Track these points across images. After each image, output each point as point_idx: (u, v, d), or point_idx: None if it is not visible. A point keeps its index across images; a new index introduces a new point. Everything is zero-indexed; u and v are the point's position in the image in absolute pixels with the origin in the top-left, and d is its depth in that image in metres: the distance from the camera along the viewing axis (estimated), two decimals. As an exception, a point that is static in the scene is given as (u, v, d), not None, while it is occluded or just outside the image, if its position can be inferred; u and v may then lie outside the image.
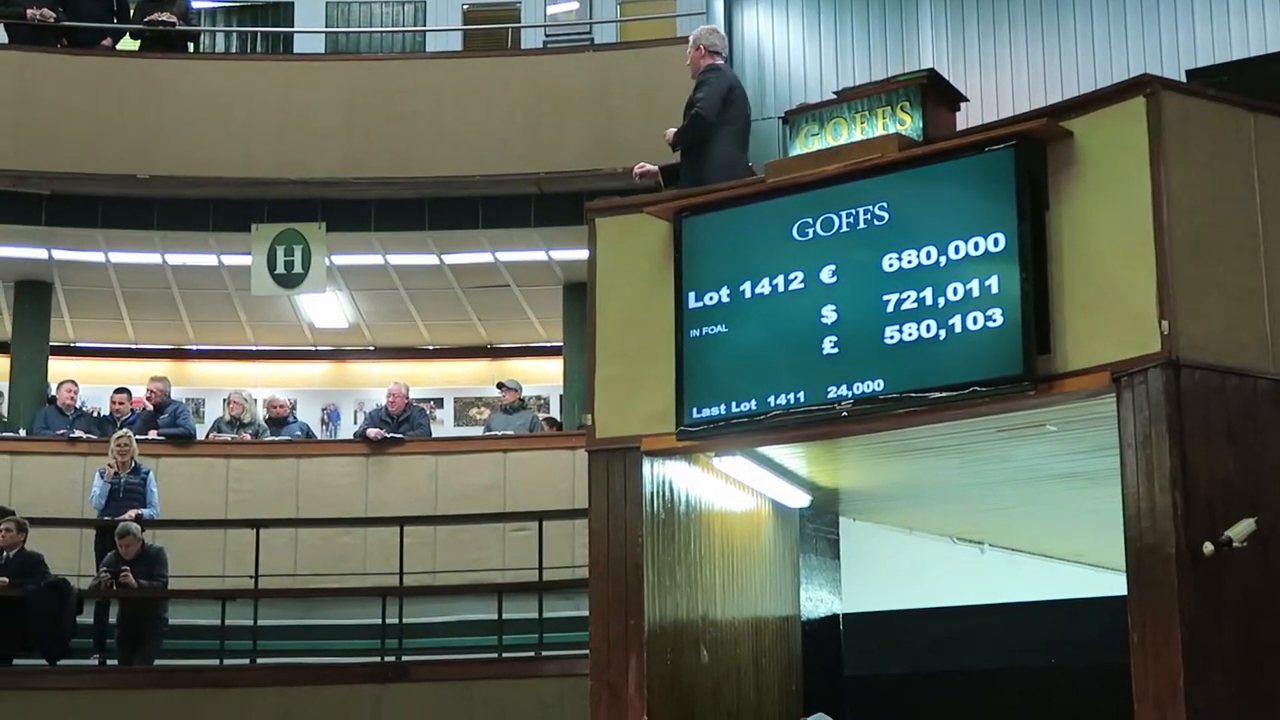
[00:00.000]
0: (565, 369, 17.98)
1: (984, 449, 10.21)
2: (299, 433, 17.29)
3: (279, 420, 17.27)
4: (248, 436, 17.17)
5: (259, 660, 13.95)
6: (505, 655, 13.58)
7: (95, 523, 15.03)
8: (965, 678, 11.64)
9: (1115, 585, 9.33)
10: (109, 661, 13.99)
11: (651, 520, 9.99)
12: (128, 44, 17.66)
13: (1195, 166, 8.51)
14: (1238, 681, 8.16)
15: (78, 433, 16.73)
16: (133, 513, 14.85)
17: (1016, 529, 12.80)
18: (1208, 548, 8.04)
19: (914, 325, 9.01)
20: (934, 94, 9.42)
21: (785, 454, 10.62)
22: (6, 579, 13.93)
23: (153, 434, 16.51)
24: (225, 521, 15.54)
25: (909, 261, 9.04)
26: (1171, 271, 8.31)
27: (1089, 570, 13.24)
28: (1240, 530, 8.02)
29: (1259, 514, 8.11)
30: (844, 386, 9.20)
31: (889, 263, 9.09)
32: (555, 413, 18.71)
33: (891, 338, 9.07)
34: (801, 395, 9.34)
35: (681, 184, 10.43)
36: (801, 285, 9.37)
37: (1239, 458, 8.38)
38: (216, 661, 13.92)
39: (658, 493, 10.10)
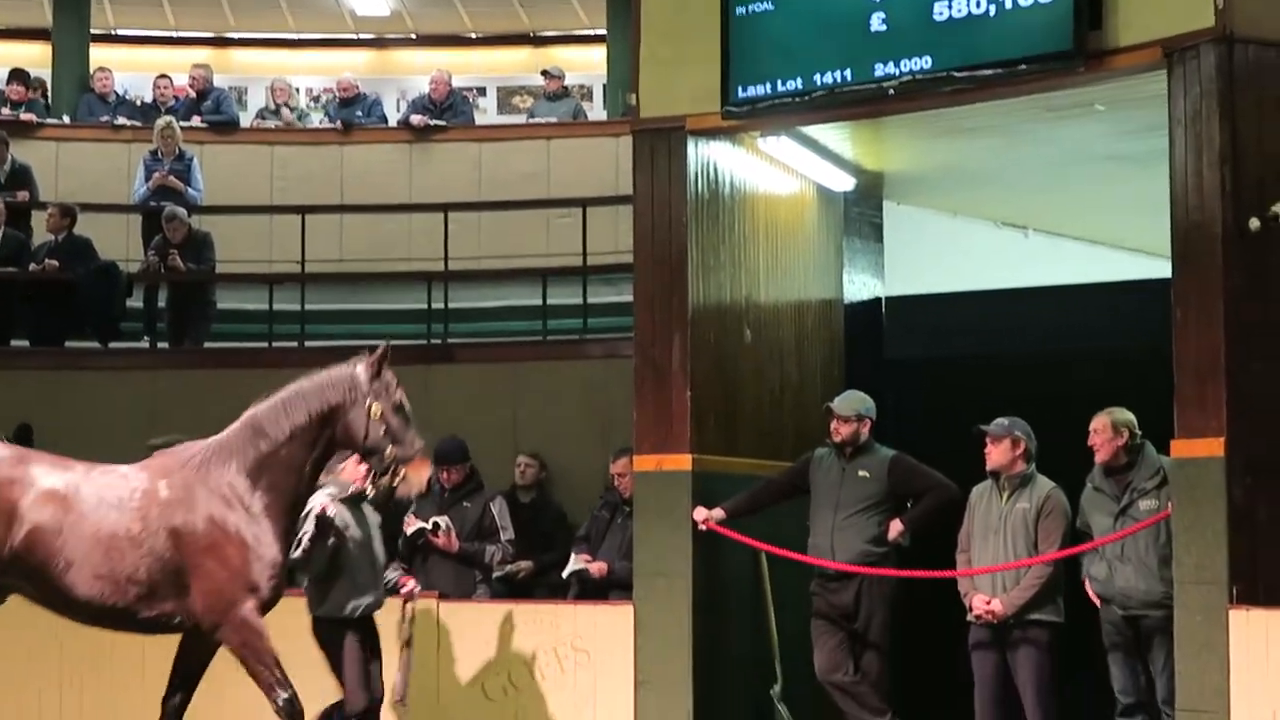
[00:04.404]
0: (609, 57, 17.81)
1: (1031, 130, 10.15)
2: (379, 110, 17.19)
3: (351, 100, 17.15)
4: (294, 120, 17.17)
5: (306, 343, 14.09)
6: (550, 338, 13.69)
7: (142, 208, 15.11)
8: (1006, 360, 11.71)
9: (1159, 269, 9.35)
10: (159, 344, 14.19)
11: (696, 201, 10.02)
12: None
13: None
14: (1279, 357, 8.22)
15: (121, 119, 16.72)
16: (174, 181, 14.93)
17: (1061, 213, 12.76)
18: (1254, 224, 8.04)
19: (963, 1, 8.90)
20: None
21: (830, 135, 10.58)
22: (56, 263, 14.07)
23: (196, 120, 16.49)
24: (271, 207, 15.58)
25: (959, -65, 8.89)
26: (1227, -56, 8.15)
27: (1133, 255, 13.22)
28: (1288, 206, 8.00)
29: (1307, 191, 8.08)
30: (891, 64, 9.13)
31: (939, -64, 8.93)
32: (599, 100, 18.60)
33: (940, 14, 8.97)
34: (848, 73, 9.28)
35: None
36: (850, -40, 9.23)
37: (1289, 135, 8.32)
38: (265, 344, 14.09)
39: (702, 173, 10.10)
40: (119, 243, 15.08)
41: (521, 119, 18.19)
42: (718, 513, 9.73)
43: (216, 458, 8.32)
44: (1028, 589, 9.07)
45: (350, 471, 9.06)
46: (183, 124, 15.84)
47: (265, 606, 8.22)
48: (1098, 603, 9.05)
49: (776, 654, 10.13)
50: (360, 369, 8.43)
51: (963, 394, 11.46)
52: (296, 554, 8.87)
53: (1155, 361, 8.66)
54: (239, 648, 8.19)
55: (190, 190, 15.19)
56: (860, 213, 12.00)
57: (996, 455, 9.25)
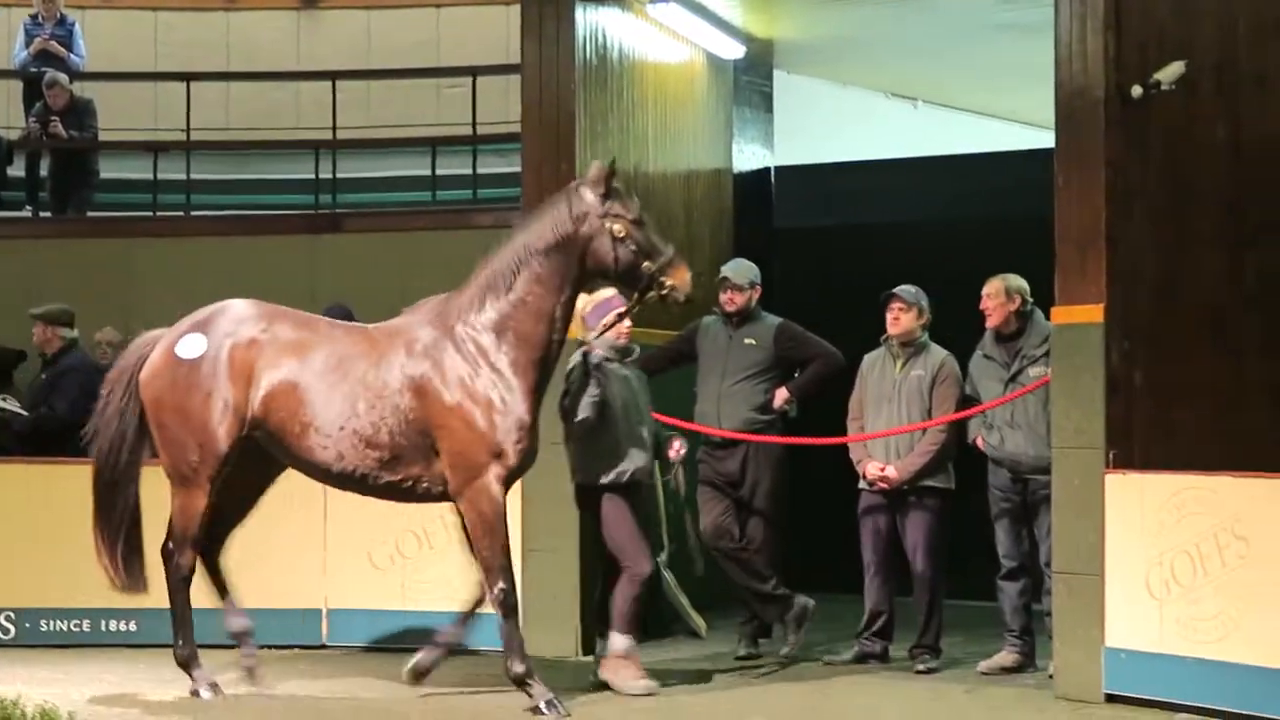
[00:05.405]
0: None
1: (920, -2, 10.15)
2: None
3: None
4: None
5: (193, 213, 13.91)
6: (439, 209, 13.57)
7: (22, 74, 14.81)
8: (894, 230, 11.78)
9: (1047, 140, 9.40)
10: (42, 213, 13.95)
11: (584, 67, 9.95)
12: None
13: None
14: (1158, 223, 8.30)
15: (0, -18, 16.34)
16: (56, 46, 14.58)
17: (951, 84, 12.82)
18: (1136, 91, 8.06)
19: None
20: None
21: (720, 1, 10.51)
22: (-68, 128, 13.80)
23: (77, -16, 16.15)
24: (155, 74, 15.30)
25: None
26: None
27: (1022, 127, 13.31)
28: (1169, 73, 8.03)
29: (1190, 58, 8.11)
30: (779, -75, 9.07)
31: None
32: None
33: (829, -123, 8.90)
34: (735, -65, 9.22)
35: None
36: None
37: (1174, 2, 8.34)
38: (150, 214, 13.88)
39: (591, 39, 10.02)
40: (-1, 109, 14.83)
41: (412, -14, 17.93)
42: (605, 380, 9.72)
43: (461, 311, 8.01)
44: (922, 455, 9.18)
45: (616, 330, 8.58)
46: (63, -12, 15.50)
47: (512, 475, 8.02)
48: (982, 445, 9.14)
49: (663, 521, 10.18)
50: (587, 192, 8.01)
51: (850, 263, 11.55)
52: (567, 403, 8.53)
53: (1042, 231, 8.71)
54: (474, 521, 7.96)
55: (72, 56, 14.87)
56: (750, 82, 11.98)
57: (905, 321, 9.32)
